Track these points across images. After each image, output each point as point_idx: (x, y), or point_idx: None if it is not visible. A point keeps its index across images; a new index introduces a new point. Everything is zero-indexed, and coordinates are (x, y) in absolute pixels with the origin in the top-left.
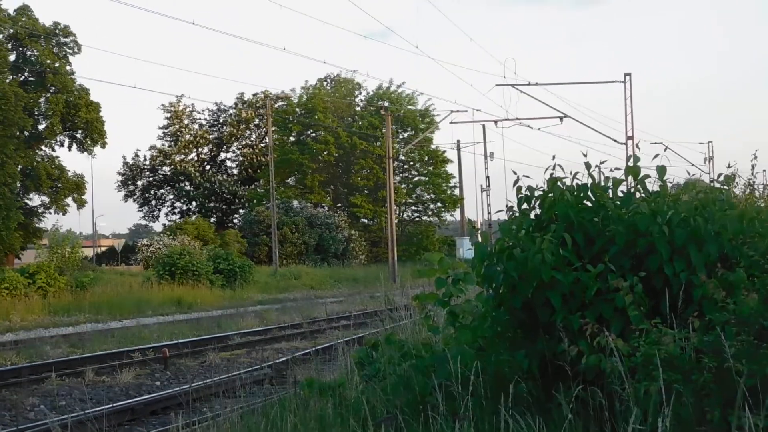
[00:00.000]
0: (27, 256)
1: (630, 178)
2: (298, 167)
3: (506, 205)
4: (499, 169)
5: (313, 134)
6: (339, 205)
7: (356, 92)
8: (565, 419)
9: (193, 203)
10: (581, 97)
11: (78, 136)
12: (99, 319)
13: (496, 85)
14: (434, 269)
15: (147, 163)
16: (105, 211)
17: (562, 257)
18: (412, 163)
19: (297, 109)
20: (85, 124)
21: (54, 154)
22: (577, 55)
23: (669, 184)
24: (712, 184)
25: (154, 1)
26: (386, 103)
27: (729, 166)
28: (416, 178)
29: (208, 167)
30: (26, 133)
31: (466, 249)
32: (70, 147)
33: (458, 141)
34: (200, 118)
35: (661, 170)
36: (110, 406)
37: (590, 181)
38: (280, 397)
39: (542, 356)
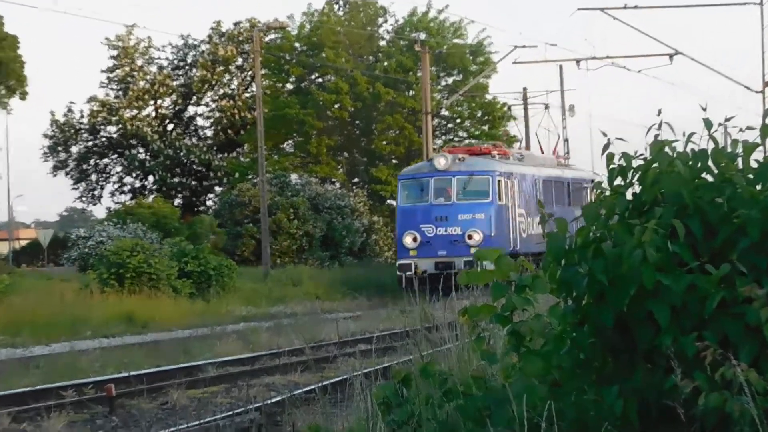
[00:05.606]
0: None
1: None
2: (298, 127)
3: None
4: (582, 129)
5: (320, 80)
6: (356, 180)
7: (380, 20)
8: None
9: (150, 178)
10: (700, 27)
11: None
12: (17, 342)
13: (579, 9)
14: (490, 271)
15: (85, 121)
16: (26, 191)
17: (672, 254)
18: (459, 120)
19: (297, 45)
20: None
21: None
22: None
23: None
24: None
25: None
26: (423, 36)
27: None
28: (466, 141)
29: (170, 127)
30: None
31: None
32: None
33: (524, 89)
34: (160, 58)
35: None
36: None
37: (711, 145)
38: None
39: (642, 395)
